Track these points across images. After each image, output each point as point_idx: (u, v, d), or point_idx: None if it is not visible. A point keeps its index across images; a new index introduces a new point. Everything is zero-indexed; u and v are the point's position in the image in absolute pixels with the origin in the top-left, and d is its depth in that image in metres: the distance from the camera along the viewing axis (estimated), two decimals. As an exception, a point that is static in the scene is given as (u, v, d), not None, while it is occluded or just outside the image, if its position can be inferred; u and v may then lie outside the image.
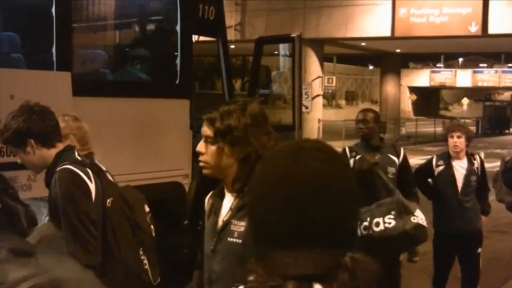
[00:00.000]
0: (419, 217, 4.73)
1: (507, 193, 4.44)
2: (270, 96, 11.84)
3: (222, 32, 6.75)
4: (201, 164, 2.49)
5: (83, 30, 6.12)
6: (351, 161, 5.39)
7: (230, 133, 2.38)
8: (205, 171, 2.50)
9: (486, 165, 6.08)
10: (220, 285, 2.39)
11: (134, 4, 6.58)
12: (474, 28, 23.04)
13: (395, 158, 5.45)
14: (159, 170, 5.75)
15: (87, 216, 3.12)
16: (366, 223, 4.78)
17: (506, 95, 69.44)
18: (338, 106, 58.03)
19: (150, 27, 7.06)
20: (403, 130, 36.66)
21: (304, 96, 17.97)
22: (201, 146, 2.47)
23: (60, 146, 3.31)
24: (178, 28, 6.03)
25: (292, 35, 6.77)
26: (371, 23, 24.99)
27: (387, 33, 24.77)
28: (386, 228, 4.70)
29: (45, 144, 3.25)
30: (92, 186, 3.20)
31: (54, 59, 4.94)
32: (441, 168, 5.77)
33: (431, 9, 23.79)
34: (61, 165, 3.19)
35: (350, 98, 61.70)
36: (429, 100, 59.59)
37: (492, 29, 22.93)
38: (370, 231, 4.71)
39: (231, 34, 23.35)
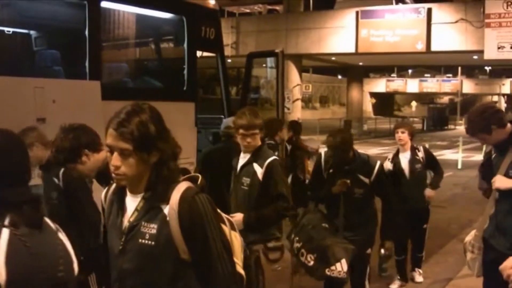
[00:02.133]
0: (336, 270, 4.08)
1: (482, 183, 4.07)
2: (259, 99, 11.83)
3: (221, 48, 6.74)
4: (117, 177, 1.97)
5: (110, 47, 6.10)
6: (325, 174, 4.53)
7: (148, 141, 1.94)
8: (123, 183, 2.01)
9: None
10: (132, 281, 2.01)
11: (150, 27, 6.57)
12: (420, 46, 23.11)
13: (365, 179, 4.39)
14: (171, 158, 5.74)
15: None
16: (298, 245, 4.30)
17: (445, 99, 69.76)
18: (314, 108, 58.00)
19: (163, 44, 7.05)
20: (365, 127, 36.79)
21: (286, 100, 17.96)
22: (117, 160, 1.94)
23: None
24: (185, 45, 6.02)
25: (276, 51, 6.71)
26: (339, 41, 25.01)
27: (352, 49, 24.79)
28: (306, 263, 4.23)
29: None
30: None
31: (87, 70, 4.94)
32: (394, 162, 5.78)
33: (386, 30, 23.82)
34: None
35: (323, 101, 61.72)
36: (385, 103, 59.65)
37: (434, 47, 23.01)
38: (299, 255, 4.28)
39: (227, 51, 23.28)
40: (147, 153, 1.95)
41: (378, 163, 4.51)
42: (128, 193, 2.05)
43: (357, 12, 24.32)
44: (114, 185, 2.12)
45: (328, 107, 62.02)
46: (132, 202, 2.04)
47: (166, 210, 1.96)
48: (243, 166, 3.95)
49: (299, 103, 27.32)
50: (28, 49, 5.97)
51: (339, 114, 49.12)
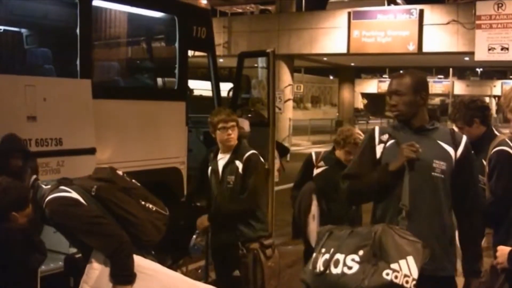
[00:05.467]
0: (399, 272, 2.42)
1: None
2: (250, 99, 11.88)
3: (212, 48, 6.74)
4: None
5: (101, 46, 6.11)
6: (380, 148, 2.93)
7: None
8: None
9: None
10: None
11: (142, 26, 6.58)
12: (412, 47, 23.22)
13: (449, 149, 2.90)
14: (161, 158, 5.74)
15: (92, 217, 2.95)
16: (327, 256, 2.60)
17: (436, 100, 70.05)
18: (305, 108, 58.12)
19: (155, 44, 7.06)
20: (357, 127, 36.86)
21: (277, 100, 18.00)
22: None
23: None
24: (176, 45, 6.03)
25: (268, 51, 6.68)
26: (331, 42, 25.08)
27: (343, 50, 24.85)
28: (343, 274, 2.49)
29: None
30: (75, 195, 3.00)
31: (78, 69, 4.94)
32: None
33: (378, 31, 23.91)
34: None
35: (315, 101, 61.89)
36: (377, 104, 59.88)
37: (426, 48, 23.13)
38: (327, 271, 2.55)
39: (219, 50, 23.34)
40: None
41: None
42: None
43: (349, 13, 24.39)
44: None
45: (319, 107, 62.14)
46: None
47: None
48: (225, 166, 4.09)
49: (290, 103, 27.33)
50: (19, 47, 5.96)
51: (330, 114, 49.26)
